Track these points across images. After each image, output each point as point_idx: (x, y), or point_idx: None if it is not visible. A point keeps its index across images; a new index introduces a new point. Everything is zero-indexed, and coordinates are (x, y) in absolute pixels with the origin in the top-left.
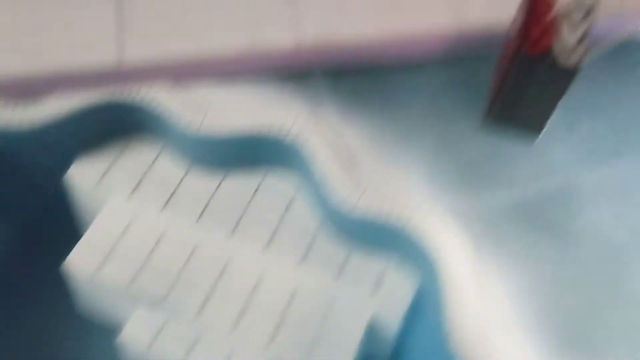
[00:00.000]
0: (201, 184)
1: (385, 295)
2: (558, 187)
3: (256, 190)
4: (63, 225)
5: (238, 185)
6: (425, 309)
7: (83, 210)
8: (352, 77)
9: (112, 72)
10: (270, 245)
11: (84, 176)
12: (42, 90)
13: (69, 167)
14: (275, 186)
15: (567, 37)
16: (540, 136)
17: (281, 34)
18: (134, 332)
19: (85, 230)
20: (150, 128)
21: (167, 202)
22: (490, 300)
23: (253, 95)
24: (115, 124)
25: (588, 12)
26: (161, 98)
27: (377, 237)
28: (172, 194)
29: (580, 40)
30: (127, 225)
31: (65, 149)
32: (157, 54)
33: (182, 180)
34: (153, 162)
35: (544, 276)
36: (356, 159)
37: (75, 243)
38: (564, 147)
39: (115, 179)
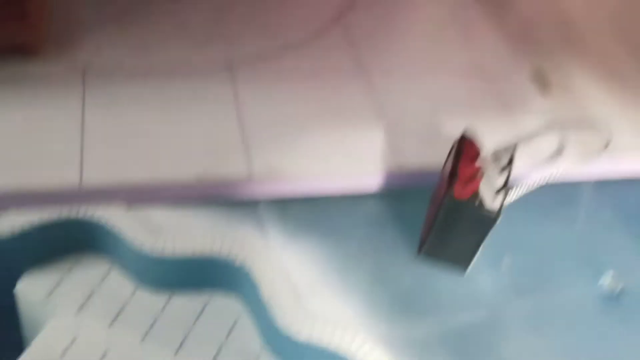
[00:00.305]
0: (148, 303)
1: None
2: (484, 318)
3: (201, 312)
4: (10, 338)
5: (184, 306)
6: None
7: (30, 323)
8: (298, 206)
9: (70, 192)
10: None
11: (33, 290)
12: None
13: (18, 280)
14: (221, 308)
15: (492, 181)
16: (469, 270)
17: (233, 165)
18: None
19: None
20: (102, 247)
21: (113, 320)
22: None
23: (203, 220)
24: (68, 241)
25: (510, 160)
26: (115, 219)
27: None
28: (119, 312)
29: (503, 184)
30: (71, 341)
31: (18, 262)
32: (114, 177)
33: (129, 298)
34: (102, 280)
35: None
36: (299, 286)
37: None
38: (489, 281)
39: (64, 294)
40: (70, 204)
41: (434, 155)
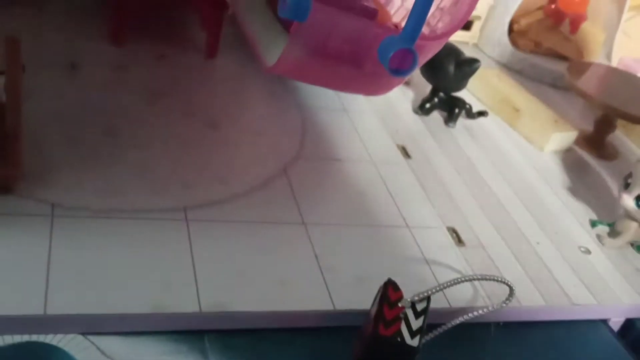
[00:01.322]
0: None
1: None
2: None
3: None
4: None
5: None
6: None
7: None
8: (242, 339)
9: (31, 320)
10: None
11: None
12: None
13: None
14: None
15: (411, 323)
16: None
17: (183, 299)
18: None
19: None
20: None
21: None
22: None
23: (153, 350)
24: None
25: (427, 304)
26: (70, 346)
27: None
28: None
29: (421, 325)
30: None
31: None
32: (75, 309)
33: None
34: None
35: None
36: None
37: None
38: None
39: None
40: (30, 331)
41: (362, 298)
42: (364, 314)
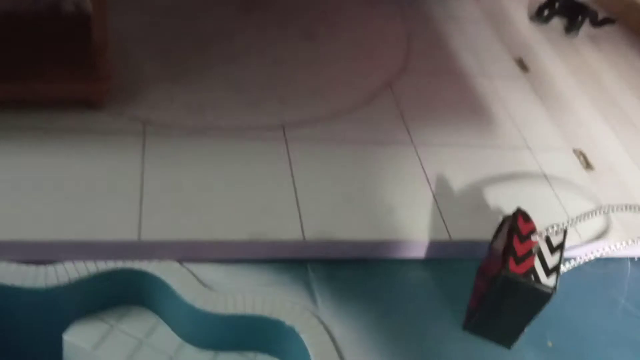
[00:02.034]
0: (193, 359)
1: None
2: None
3: None
4: None
5: None
6: None
7: None
8: (347, 269)
9: (126, 246)
10: None
11: (80, 340)
12: (57, 255)
13: (67, 328)
14: None
15: (546, 259)
16: (515, 344)
17: (284, 225)
18: None
19: None
20: (151, 300)
21: None
22: None
23: (254, 280)
24: (119, 293)
25: (563, 239)
26: (167, 274)
27: None
28: None
29: (557, 263)
30: None
31: (70, 310)
32: (170, 233)
33: (175, 354)
34: (149, 333)
35: None
36: (346, 352)
37: None
38: (536, 356)
39: (110, 346)
40: (125, 257)
41: (481, 228)
42: (483, 245)
